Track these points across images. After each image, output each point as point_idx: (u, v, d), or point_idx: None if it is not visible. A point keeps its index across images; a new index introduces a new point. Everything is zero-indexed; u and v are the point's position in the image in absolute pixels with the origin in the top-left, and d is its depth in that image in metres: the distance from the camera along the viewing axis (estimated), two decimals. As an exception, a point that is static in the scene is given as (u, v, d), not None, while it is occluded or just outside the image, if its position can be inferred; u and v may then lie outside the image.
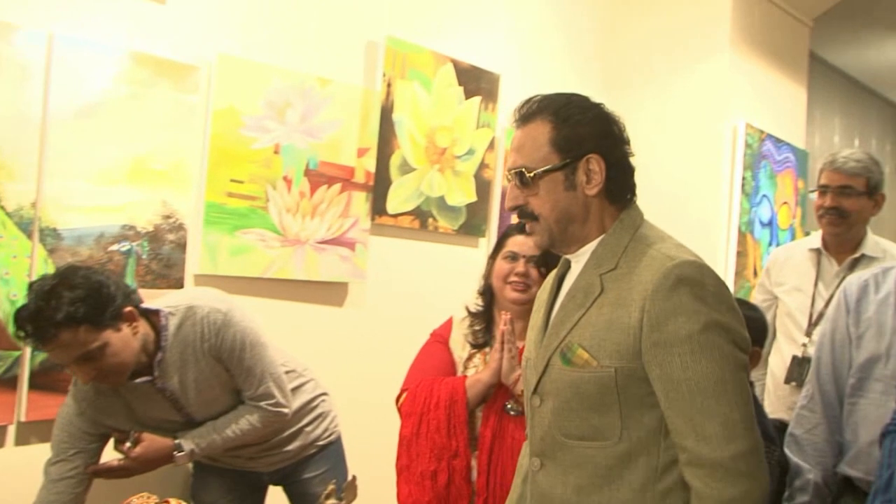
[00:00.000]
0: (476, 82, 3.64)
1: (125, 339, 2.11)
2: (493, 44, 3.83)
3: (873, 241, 2.95)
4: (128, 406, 2.29)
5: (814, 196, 3.01)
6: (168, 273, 2.69)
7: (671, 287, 1.48)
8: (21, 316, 2.01)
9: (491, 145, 3.72)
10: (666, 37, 4.39)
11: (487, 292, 2.42)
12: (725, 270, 4.23)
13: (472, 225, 3.66)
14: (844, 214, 2.89)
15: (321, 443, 2.65)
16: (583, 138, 1.59)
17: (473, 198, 3.66)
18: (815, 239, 3.04)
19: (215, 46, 2.79)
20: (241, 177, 2.84)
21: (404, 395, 2.33)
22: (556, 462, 1.61)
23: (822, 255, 3.00)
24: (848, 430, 2.20)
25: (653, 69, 4.42)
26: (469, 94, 3.61)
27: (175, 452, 2.30)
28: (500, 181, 3.79)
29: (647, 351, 1.50)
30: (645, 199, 4.56)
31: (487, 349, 2.35)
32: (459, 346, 2.39)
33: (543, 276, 2.37)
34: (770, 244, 4.58)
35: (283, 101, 2.94)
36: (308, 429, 2.61)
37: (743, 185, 4.27)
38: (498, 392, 2.24)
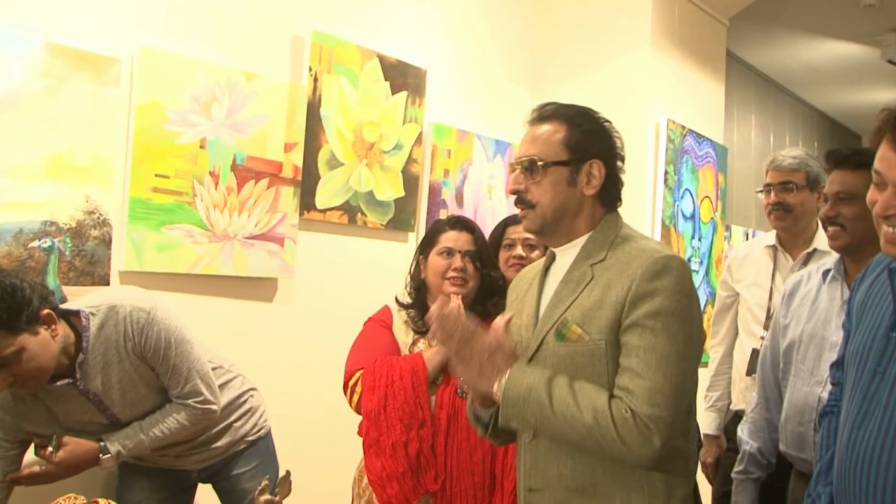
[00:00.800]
0: (403, 77, 3.66)
1: (43, 343, 2.07)
2: (420, 39, 3.86)
3: (824, 236, 3.11)
4: (49, 410, 2.25)
5: (761, 196, 3.21)
6: (92, 270, 2.64)
7: (658, 272, 1.67)
8: None
9: (418, 140, 3.75)
10: (590, 33, 4.48)
11: (421, 288, 2.46)
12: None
13: (400, 220, 3.69)
14: (788, 209, 3.08)
15: (251, 438, 2.64)
16: (590, 144, 1.80)
17: (402, 193, 3.68)
18: (771, 236, 3.23)
19: (137, 39, 2.75)
20: (166, 172, 2.80)
21: (359, 374, 2.35)
22: None
23: (777, 251, 3.18)
24: (781, 410, 2.46)
25: (577, 65, 4.50)
26: (396, 90, 3.63)
27: (101, 455, 2.27)
28: (427, 176, 3.83)
29: (624, 323, 1.67)
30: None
31: (429, 335, 2.37)
32: (402, 331, 2.45)
33: (479, 270, 2.44)
34: (693, 237, 4.72)
35: (209, 95, 2.92)
36: (237, 424, 2.60)
37: (666, 179, 4.39)
38: (449, 377, 2.31)
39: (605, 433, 1.60)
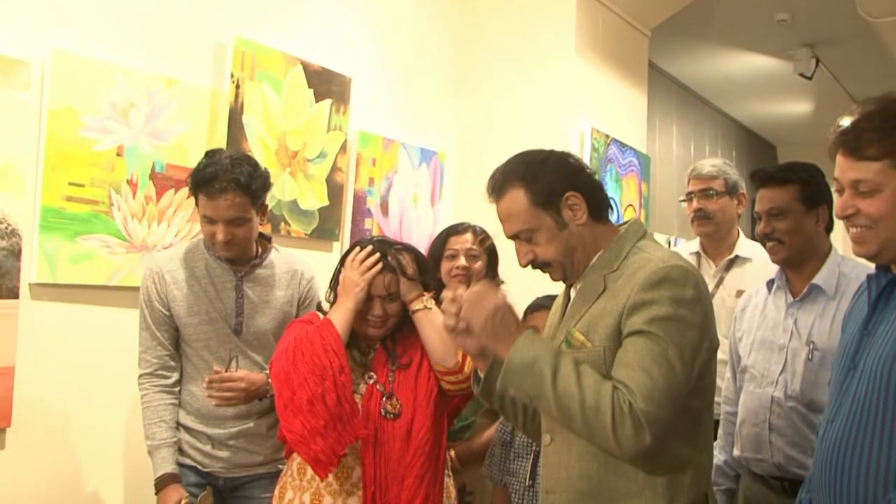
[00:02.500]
0: (327, 85, 3.64)
1: (256, 225, 2.52)
2: (345, 46, 3.84)
3: (745, 243, 3.30)
4: (203, 292, 2.53)
5: (685, 205, 3.33)
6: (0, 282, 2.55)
7: (656, 282, 1.70)
8: (206, 169, 2.40)
9: (343, 148, 3.73)
10: (515, 42, 4.52)
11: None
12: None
13: (325, 229, 3.66)
14: (709, 215, 3.23)
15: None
16: (554, 186, 1.83)
17: (326, 201, 3.65)
18: (695, 244, 3.36)
19: (49, 41, 2.66)
20: (81, 180, 2.73)
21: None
22: (563, 435, 1.81)
23: (701, 258, 3.31)
24: None
25: (503, 74, 4.54)
26: (320, 97, 3.61)
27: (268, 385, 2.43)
28: (352, 184, 3.81)
29: (624, 332, 1.72)
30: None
31: (352, 346, 2.35)
32: None
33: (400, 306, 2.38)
34: (615, 245, 4.78)
35: (127, 101, 2.85)
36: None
37: (589, 189, 4.44)
38: (372, 392, 2.28)
39: (599, 417, 1.63)
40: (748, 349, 2.57)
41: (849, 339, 1.73)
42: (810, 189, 2.47)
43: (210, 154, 2.51)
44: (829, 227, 2.49)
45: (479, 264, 2.89)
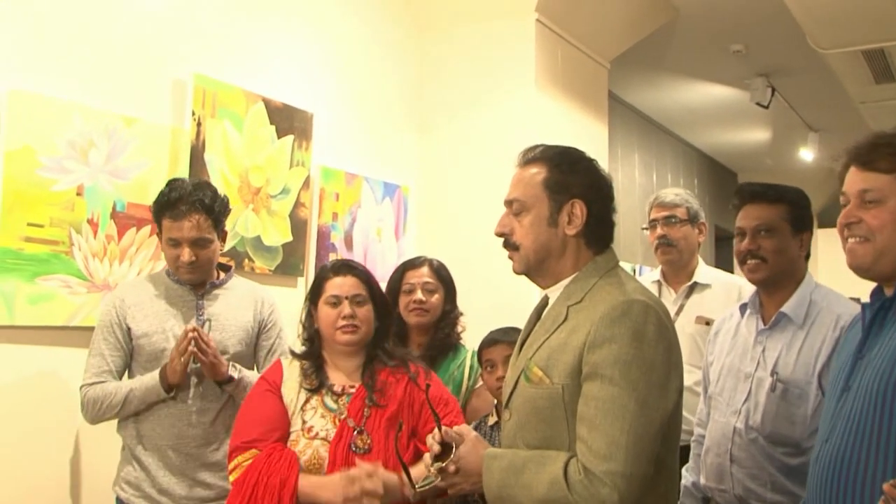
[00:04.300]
0: (289, 121, 3.65)
1: (218, 251, 2.64)
2: (306, 82, 3.86)
3: (704, 270, 3.35)
4: (164, 311, 2.60)
5: (647, 233, 3.37)
6: (-42, 326, 2.52)
7: (616, 318, 1.68)
8: (171, 193, 2.53)
9: (305, 184, 3.73)
10: (476, 75, 4.57)
11: (314, 338, 2.42)
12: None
13: (289, 264, 3.65)
14: (672, 242, 3.26)
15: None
16: (571, 184, 1.83)
17: (289, 237, 3.65)
18: (657, 272, 3.40)
19: (5, 81, 2.65)
20: (40, 220, 2.70)
21: (236, 461, 2.23)
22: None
23: (662, 286, 3.34)
24: None
25: (464, 107, 4.59)
26: (282, 133, 3.62)
27: (230, 368, 2.57)
28: (315, 220, 3.81)
29: (584, 370, 1.69)
30: (463, 230, 4.67)
31: (323, 391, 2.33)
32: (294, 391, 2.33)
33: (374, 310, 2.39)
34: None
35: (86, 140, 2.84)
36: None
37: (552, 219, 4.48)
38: (343, 431, 2.24)
39: (560, 500, 1.62)
40: (717, 375, 2.54)
41: (842, 365, 1.74)
42: (799, 211, 2.43)
43: (172, 182, 2.64)
44: (807, 256, 2.46)
45: (435, 297, 2.90)
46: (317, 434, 2.26)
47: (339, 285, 2.36)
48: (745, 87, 6.86)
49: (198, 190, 2.56)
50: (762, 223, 2.40)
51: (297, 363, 2.40)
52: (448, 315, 2.92)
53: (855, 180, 1.69)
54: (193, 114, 3.21)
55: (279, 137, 3.61)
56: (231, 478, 2.24)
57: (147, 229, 3.01)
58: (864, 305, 1.75)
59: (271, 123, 3.57)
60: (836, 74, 5.95)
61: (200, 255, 2.55)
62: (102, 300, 2.83)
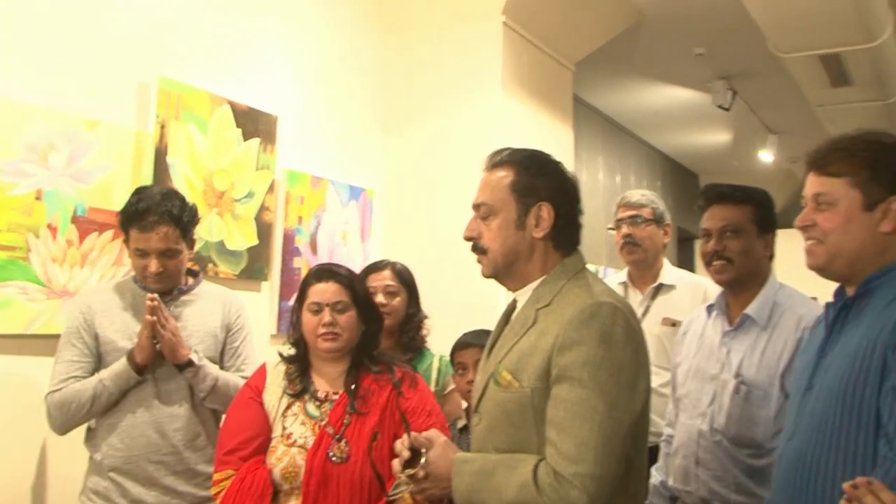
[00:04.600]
0: (254, 124, 3.62)
1: (186, 260, 2.63)
2: (271, 86, 3.82)
3: (670, 271, 3.36)
4: (132, 318, 2.56)
5: (613, 234, 3.38)
6: (-87, 334, 2.45)
7: (583, 321, 1.69)
8: (139, 204, 2.49)
9: (271, 188, 3.70)
10: (442, 78, 4.56)
11: (299, 343, 2.40)
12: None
13: (254, 269, 3.61)
14: (637, 242, 3.27)
15: None
16: (538, 188, 1.84)
17: (255, 241, 3.61)
18: (624, 273, 3.41)
19: (-36, 85, 2.59)
20: (-3, 226, 2.65)
21: (215, 478, 2.24)
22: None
23: (628, 287, 3.35)
24: None
25: (430, 109, 4.57)
26: (247, 136, 3.58)
27: (192, 353, 2.55)
28: (281, 224, 3.78)
29: (553, 372, 1.69)
30: (429, 233, 4.66)
31: (306, 396, 2.31)
32: (276, 396, 2.32)
33: (359, 317, 2.36)
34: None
35: (46, 143, 2.78)
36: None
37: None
38: (322, 439, 2.22)
39: (529, 503, 1.62)
40: (684, 377, 2.56)
41: (806, 363, 1.78)
42: (765, 212, 2.45)
43: (139, 190, 2.60)
44: (771, 257, 2.48)
45: (397, 300, 2.89)
46: (295, 441, 2.24)
47: (321, 292, 2.34)
48: (707, 90, 6.95)
49: (166, 200, 2.52)
50: (729, 224, 2.41)
51: (282, 367, 2.38)
52: (412, 318, 2.91)
53: (811, 184, 1.75)
54: (158, 116, 3.16)
55: (245, 140, 3.57)
56: (212, 492, 2.25)
57: (109, 234, 2.96)
58: (827, 305, 1.79)
59: (237, 126, 3.53)
60: (794, 78, 6.05)
61: (168, 266, 2.53)
62: (63, 306, 2.78)
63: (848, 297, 1.73)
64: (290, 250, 3.83)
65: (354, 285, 2.40)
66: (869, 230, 1.68)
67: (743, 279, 2.43)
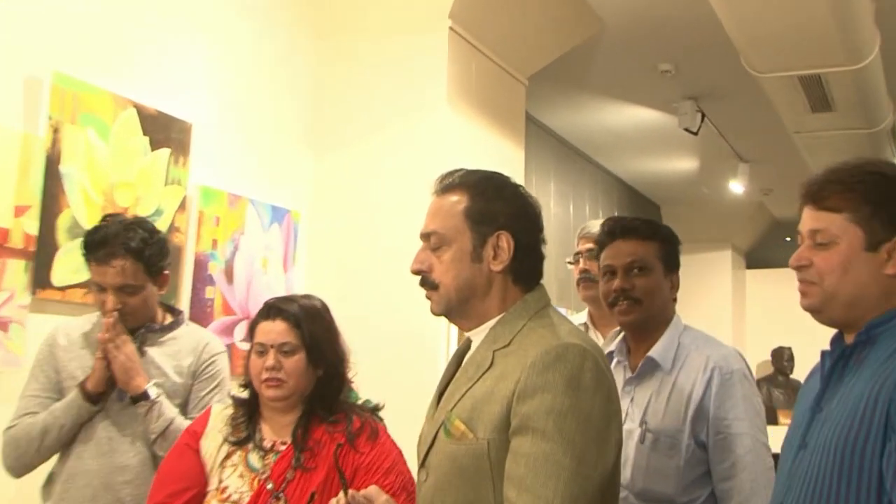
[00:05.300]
0: (165, 132, 3.56)
1: (153, 296, 2.68)
2: (186, 89, 3.77)
3: None
4: (90, 353, 2.61)
5: (571, 267, 3.39)
6: None
7: (548, 364, 1.66)
8: (96, 234, 2.55)
9: (182, 205, 3.63)
10: (381, 89, 4.55)
11: (250, 385, 2.37)
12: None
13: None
14: (594, 278, 3.21)
15: None
16: (495, 214, 1.82)
17: (162, 266, 3.53)
18: (584, 315, 3.39)
19: None
20: None
21: None
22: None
23: (589, 330, 3.30)
24: None
25: (368, 124, 4.56)
26: (156, 145, 3.52)
27: (148, 384, 2.58)
28: (192, 247, 3.71)
29: (513, 422, 1.66)
30: (362, 263, 4.62)
31: (250, 445, 2.28)
32: (215, 443, 2.29)
33: (308, 361, 2.31)
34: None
35: (-84, 146, 2.68)
36: None
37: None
38: (259, 496, 2.19)
39: None
40: None
41: (800, 419, 1.77)
42: (671, 249, 2.49)
43: (104, 218, 2.71)
44: (674, 300, 2.51)
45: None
46: (229, 497, 2.22)
47: (266, 332, 2.30)
48: (673, 112, 7.04)
49: (127, 230, 2.57)
50: (636, 260, 2.44)
51: (228, 412, 2.36)
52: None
53: (807, 219, 1.76)
54: (50, 118, 3.09)
55: (153, 150, 3.50)
56: None
57: (-11, 254, 2.86)
58: (823, 353, 1.79)
59: (144, 134, 3.46)
60: (770, 101, 6.15)
61: (128, 303, 2.58)
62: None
63: (847, 345, 1.73)
64: (201, 278, 3.75)
65: (304, 324, 2.34)
66: (871, 272, 1.68)
67: (648, 322, 2.46)
